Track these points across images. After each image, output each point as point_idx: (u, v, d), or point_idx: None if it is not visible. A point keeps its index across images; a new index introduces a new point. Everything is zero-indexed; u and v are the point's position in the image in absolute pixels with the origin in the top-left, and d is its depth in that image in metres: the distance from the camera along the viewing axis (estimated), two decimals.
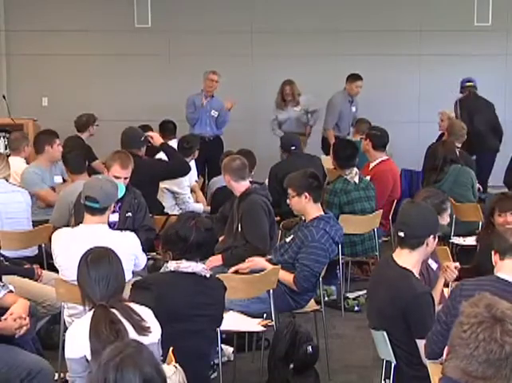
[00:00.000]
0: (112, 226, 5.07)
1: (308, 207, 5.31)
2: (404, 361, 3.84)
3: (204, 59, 10.38)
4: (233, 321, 4.64)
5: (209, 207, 7.38)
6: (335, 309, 6.56)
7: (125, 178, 5.72)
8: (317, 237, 5.17)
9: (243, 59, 10.46)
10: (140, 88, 10.97)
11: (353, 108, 9.94)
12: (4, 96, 9.66)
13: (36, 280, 5.35)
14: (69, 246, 4.55)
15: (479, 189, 7.99)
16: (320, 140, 9.86)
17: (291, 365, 4.87)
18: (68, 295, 4.56)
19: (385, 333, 3.83)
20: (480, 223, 6.46)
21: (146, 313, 3.45)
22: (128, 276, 4.37)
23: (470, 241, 6.44)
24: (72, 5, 10.98)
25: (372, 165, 7.69)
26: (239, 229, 5.65)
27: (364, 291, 6.50)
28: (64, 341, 3.46)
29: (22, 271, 5.32)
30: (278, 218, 6.61)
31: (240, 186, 5.78)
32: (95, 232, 4.66)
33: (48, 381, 4.11)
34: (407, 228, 3.88)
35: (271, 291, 4.95)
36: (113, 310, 3.36)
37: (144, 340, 3.30)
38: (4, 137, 8.58)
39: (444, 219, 4.65)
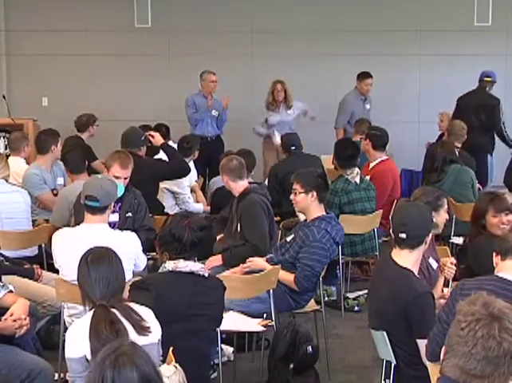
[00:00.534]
0: (112, 226, 5.07)
1: (312, 206, 5.31)
2: (404, 361, 3.84)
3: (204, 59, 10.38)
4: (233, 321, 4.64)
5: (209, 207, 7.38)
6: (335, 309, 6.56)
7: (125, 178, 5.72)
8: (318, 237, 5.17)
9: (243, 59, 10.46)
10: (140, 88, 10.97)
11: (367, 106, 9.95)
12: (4, 96, 9.66)
13: (36, 280, 5.35)
14: (70, 246, 4.55)
15: (479, 189, 7.99)
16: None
17: (291, 365, 4.87)
18: (68, 295, 4.56)
19: (385, 333, 3.84)
20: None
21: (146, 313, 3.45)
22: (128, 276, 4.37)
23: None
24: (72, 5, 10.98)
25: (371, 165, 7.69)
26: (238, 229, 5.65)
27: (364, 291, 6.51)
28: (64, 341, 3.46)
29: (22, 271, 5.32)
30: (278, 218, 6.62)
31: (238, 186, 5.78)
32: (95, 232, 4.66)
33: (48, 382, 4.11)
34: (409, 229, 3.86)
35: (271, 291, 4.96)
36: (113, 310, 3.36)
37: (144, 340, 3.31)
38: (4, 137, 8.57)
39: (442, 216, 4.58)
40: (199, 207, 7.48)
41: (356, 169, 6.98)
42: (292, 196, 5.38)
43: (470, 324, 2.16)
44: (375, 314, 3.98)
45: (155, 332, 3.42)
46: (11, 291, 4.38)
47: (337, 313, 6.52)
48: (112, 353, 2.33)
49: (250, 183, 5.93)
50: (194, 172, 7.79)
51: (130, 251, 4.68)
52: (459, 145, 8.14)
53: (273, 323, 4.92)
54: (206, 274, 3.97)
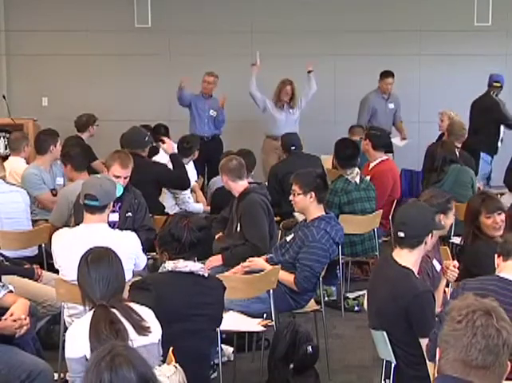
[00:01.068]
0: (112, 226, 5.06)
1: (311, 207, 5.30)
2: (404, 361, 3.84)
3: (204, 59, 10.38)
4: (233, 321, 4.64)
5: (209, 207, 7.38)
6: (335, 309, 6.56)
7: (125, 177, 5.72)
8: (318, 237, 5.17)
9: (243, 59, 10.44)
10: (140, 88, 10.96)
11: (390, 105, 9.96)
12: (4, 96, 9.67)
13: (36, 280, 5.34)
14: (70, 246, 4.55)
15: (479, 189, 7.98)
16: None
17: (291, 365, 4.88)
18: (68, 295, 4.56)
19: (385, 333, 3.84)
20: None
21: (146, 313, 3.45)
22: (128, 276, 4.37)
23: None
24: (72, 5, 10.97)
25: (371, 165, 7.69)
26: (238, 229, 5.65)
27: (364, 291, 6.51)
28: (64, 341, 3.46)
29: (22, 271, 5.32)
30: (278, 218, 6.62)
31: (238, 186, 5.79)
32: (95, 232, 4.66)
33: (48, 382, 4.11)
34: (407, 228, 3.87)
35: (271, 291, 4.96)
36: (113, 310, 3.36)
37: (144, 340, 3.31)
38: (4, 137, 8.57)
39: (449, 219, 4.59)
40: (199, 207, 7.47)
41: (356, 169, 6.99)
42: (291, 197, 5.38)
43: (467, 315, 2.18)
44: (375, 314, 3.98)
45: (156, 332, 3.42)
46: (11, 291, 4.38)
47: (337, 313, 6.52)
48: (107, 354, 2.31)
49: (249, 183, 5.93)
50: (194, 172, 7.79)
51: (130, 251, 4.69)
52: (459, 145, 8.14)
53: (273, 323, 4.92)
54: (206, 274, 3.97)
